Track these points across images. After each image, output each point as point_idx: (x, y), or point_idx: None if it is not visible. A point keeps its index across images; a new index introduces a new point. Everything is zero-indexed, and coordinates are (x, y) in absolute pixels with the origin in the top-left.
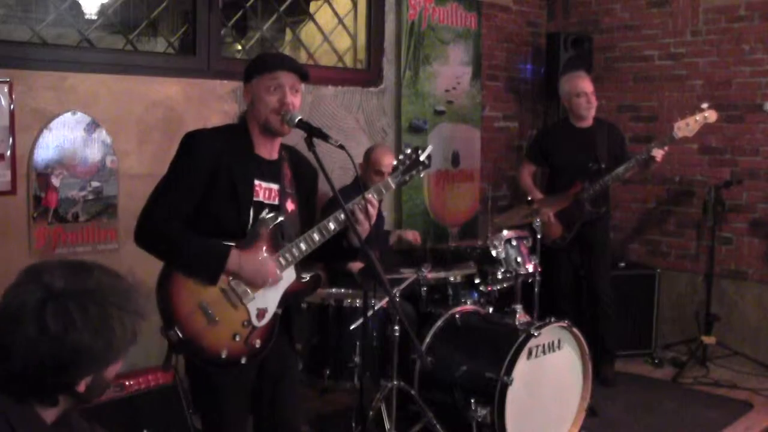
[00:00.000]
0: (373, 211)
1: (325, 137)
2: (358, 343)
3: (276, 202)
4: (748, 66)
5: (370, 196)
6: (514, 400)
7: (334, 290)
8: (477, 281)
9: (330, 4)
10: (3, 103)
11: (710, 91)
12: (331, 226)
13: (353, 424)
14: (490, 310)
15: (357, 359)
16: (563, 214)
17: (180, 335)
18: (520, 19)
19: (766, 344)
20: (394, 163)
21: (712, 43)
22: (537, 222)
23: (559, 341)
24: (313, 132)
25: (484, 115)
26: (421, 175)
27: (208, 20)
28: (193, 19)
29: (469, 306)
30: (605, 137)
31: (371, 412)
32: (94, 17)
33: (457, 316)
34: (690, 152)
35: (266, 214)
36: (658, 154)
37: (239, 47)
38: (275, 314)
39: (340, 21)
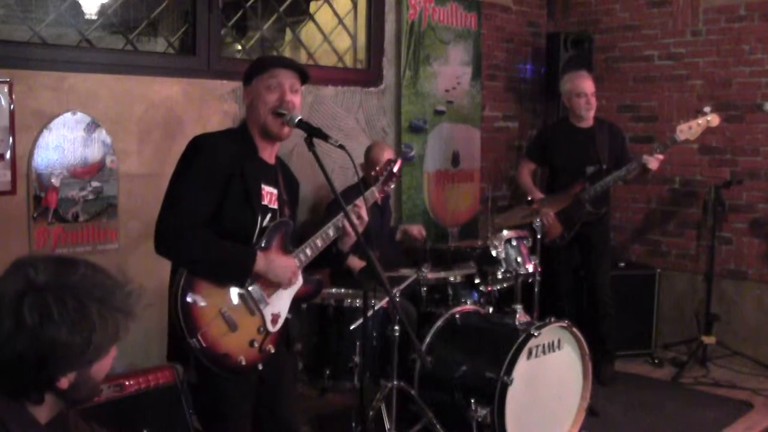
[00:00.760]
0: (364, 215)
1: (325, 137)
2: (358, 343)
3: (276, 206)
4: (748, 66)
5: (359, 203)
6: (514, 400)
7: (334, 290)
8: (477, 281)
9: (330, 4)
10: (3, 103)
11: (710, 91)
12: (331, 232)
13: (353, 424)
14: (490, 310)
15: (357, 359)
16: (563, 213)
17: (202, 344)
18: (520, 19)
19: (766, 344)
20: (373, 173)
21: (712, 43)
22: (537, 222)
23: (559, 341)
24: (313, 132)
25: (484, 115)
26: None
27: (208, 20)
28: (193, 19)
29: (469, 306)
30: (606, 137)
31: (371, 412)
32: (94, 17)
33: (457, 316)
34: (690, 152)
35: (280, 219)
36: (649, 161)
37: (239, 47)
38: (286, 319)
39: (340, 21)
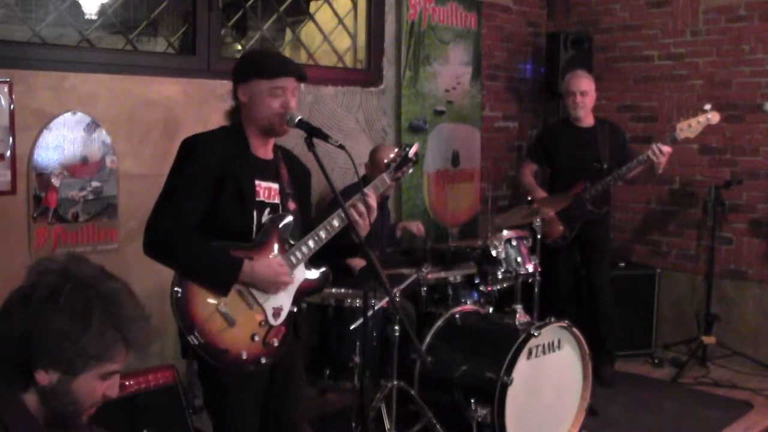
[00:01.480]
0: (373, 204)
1: (325, 137)
2: (358, 343)
3: (277, 201)
4: (748, 66)
5: (368, 191)
6: (514, 399)
7: (334, 290)
8: (477, 281)
9: (330, 4)
10: (3, 103)
11: (710, 91)
12: (336, 223)
13: (353, 424)
14: (490, 310)
15: (357, 359)
16: (564, 213)
17: (200, 340)
18: (520, 19)
19: (766, 344)
20: (385, 161)
21: (712, 43)
22: (537, 222)
23: (559, 341)
24: (313, 132)
25: (484, 115)
26: (410, 171)
27: (208, 20)
28: (193, 19)
29: (469, 306)
30: (607, 137)
31: (371, 412)
32: (94, 17)
33: (457, 316)
34: (690, 152)
35: (276, 213)
36: (654, 151)
37: (239, 47)
38: (290, 312)
39: (340, 21)
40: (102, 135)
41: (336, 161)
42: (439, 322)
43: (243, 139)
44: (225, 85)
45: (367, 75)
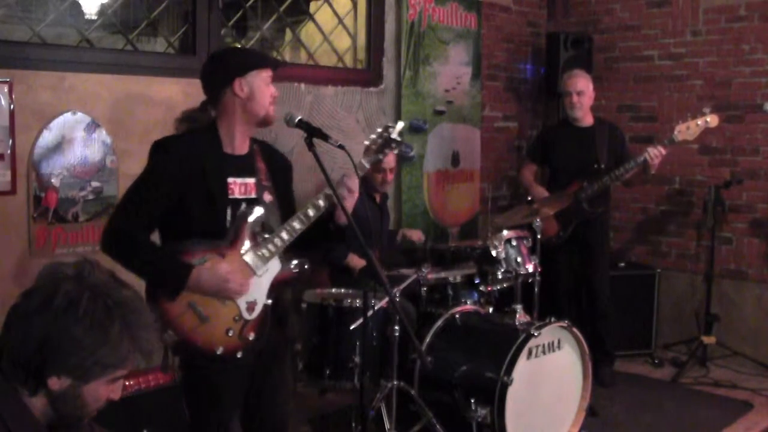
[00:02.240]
0: (354, 188)
1: (325, 137)
2: (358, 343)
3: (254, 196)
4: (748, 66)
5: (348, 174)
6: (514, 400)
7: (334, 290)
8: (477, 281)
9: (330, 4)
10: (3, 103)
11: (710, 91)
12: (311, 212)
13: (353, 424)
14: (490, 310)
15: (357, 359)
16: (560, 212)
17: (175, 337)
18: (520, 19)
19: (766, 344)
20: (366, 143)
21: (712, 43)
22: (537, 222)
23: (559, 341)
24: (313, 132)
25: (484, 115)
26: (396, 152)
27: (208, 20)
28: (193, 19)
29: (469, 306)
30: (606, 137)
31: (371, 412)
32: (94, 17)
33: (457, 316)
34: (690, 152)
35: (243, 208)
36: (651, 153)
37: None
38: (265, 305)
39: (340, 21)
40: (102, 135)
41: (336, 161)
42: (439, 322)
43: (215, 139)
44: None
45: (367, 75)
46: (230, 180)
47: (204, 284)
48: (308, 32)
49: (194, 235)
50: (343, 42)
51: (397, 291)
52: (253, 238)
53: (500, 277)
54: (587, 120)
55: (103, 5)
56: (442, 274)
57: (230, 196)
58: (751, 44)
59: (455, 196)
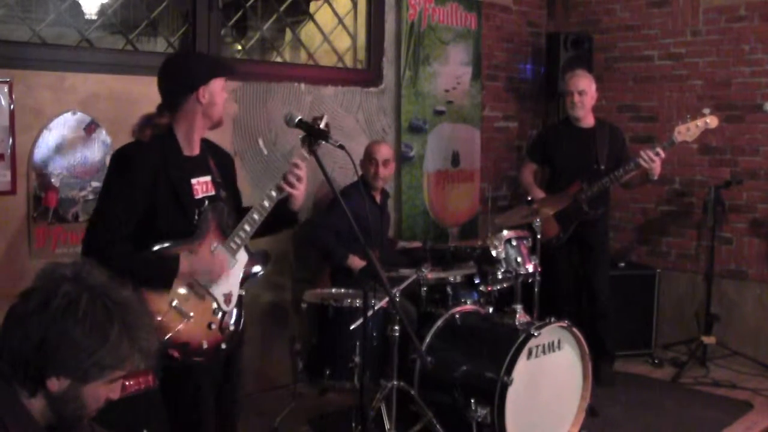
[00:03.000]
0: (302, 174)
1: (325, 137)
2: (358, 343)
3: (213, 192)
4: (748, 66)
5: (296, 161)
6: (514, 400)
7: (334, 290)
8: (477, 281)
9: (330, 4)
10: (3, 103)
11: (710, 91)
12: (266, 203)
13: (353, 424)
14: (490, 310)
15: (357, 359)
16: (559, 213)
17: (161, 337)
18: (520, 19)
19: (766, 344)
20: (300, 136)
21: (712, 43)
22: (537, 222)
23: (559, 341)
24: (312, 132)
25: (484, 115)
26: (329, 143)
27: (208, 20)
28: (193, 19)
29: (469, 306)
30: (606, 138)
31: (371, 412)
32: (94, 17)
33: (457, 316)
34: (690, 152)
35: (206, 206)
36: (644, 157)
37: (239, 47)
38: (240, 296)
39: (340, 21)
40: (102, 135)
41: (336, 161)
42: (439, 322)
43: (173, 143)
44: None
45: (367, 75)
46: (193, 181)
47: (195, 265)
48: (308, 32)
49: (164, 237)
50: (343, 42)
51: (397, 291)
52: (220, 233)
53: (500, 277)
54: (588, 120)
55: (103, 5)
56: (442, 274)
57: (195, 197)
58: (751, 44)
59: (455, 196)
